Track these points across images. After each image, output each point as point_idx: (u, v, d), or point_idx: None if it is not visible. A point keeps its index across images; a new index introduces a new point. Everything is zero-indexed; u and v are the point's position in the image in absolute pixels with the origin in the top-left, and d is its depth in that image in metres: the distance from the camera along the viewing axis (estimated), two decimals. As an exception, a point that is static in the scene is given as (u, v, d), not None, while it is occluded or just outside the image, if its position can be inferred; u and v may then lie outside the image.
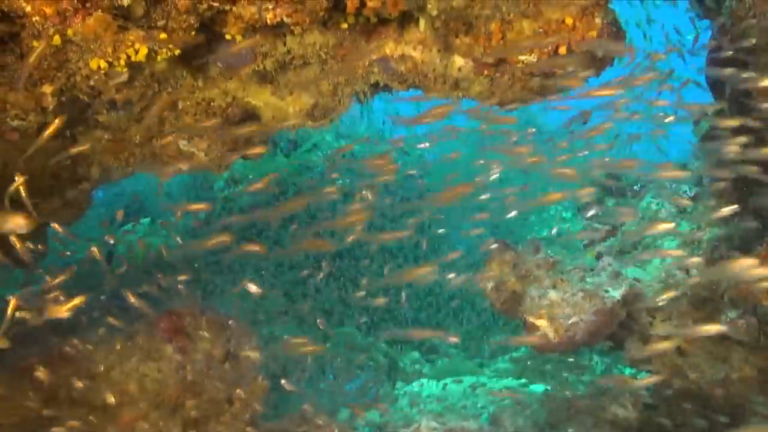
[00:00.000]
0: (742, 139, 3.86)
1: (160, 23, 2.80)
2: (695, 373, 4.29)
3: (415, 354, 7.64)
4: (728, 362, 4.13)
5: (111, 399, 3.22)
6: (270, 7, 2.83)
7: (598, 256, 5.00)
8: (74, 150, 3.61)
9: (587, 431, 4.86)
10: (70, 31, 2.68)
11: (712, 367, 4.21)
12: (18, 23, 2.81)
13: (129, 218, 8.37)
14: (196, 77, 3.62)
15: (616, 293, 4.44)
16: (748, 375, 4.03)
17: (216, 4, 2.91)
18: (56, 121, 3.07)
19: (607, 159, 5.22)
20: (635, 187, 5.60)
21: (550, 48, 3.18)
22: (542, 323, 4.33)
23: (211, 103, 3.82)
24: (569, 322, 4.31)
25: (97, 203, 5.88)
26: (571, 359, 6.80)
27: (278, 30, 3.25)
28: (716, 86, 4.28)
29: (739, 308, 3.95)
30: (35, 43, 2.74)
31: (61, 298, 3.47)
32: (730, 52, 3.87)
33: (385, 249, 8.37)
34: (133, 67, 3.01)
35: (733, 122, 3.96)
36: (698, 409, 4.44)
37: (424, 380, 6.90)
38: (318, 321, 6.37)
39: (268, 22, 2.89)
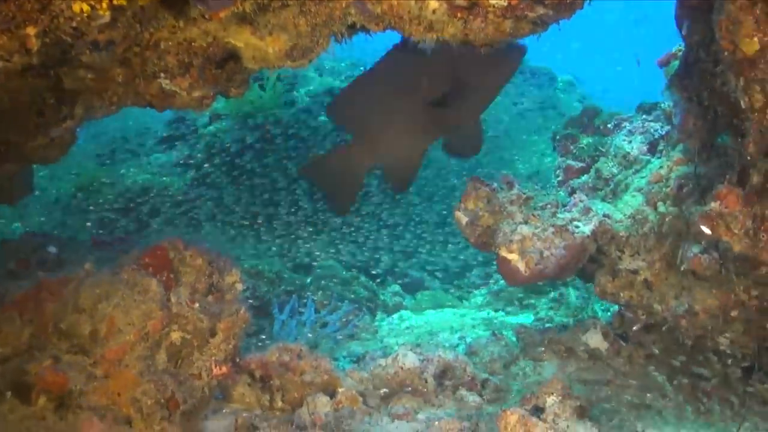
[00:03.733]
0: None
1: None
2: (661, 305, 4.45)
3: (396, 287, 7.80)
4: (692, 295, 4.28)
5: (98, 331, 3.31)
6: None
7: (571, 192, 5.13)
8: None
9: (560, 359, 5.02)
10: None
11: (677, 299, 4.36)
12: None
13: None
14: (177, 18, 3.68)
15: (586, 228, 4.59)
16: (710, 307, 4.19)
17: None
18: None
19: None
20: (609, 125, 5.71)
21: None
22: (513, 257, 4.48)
23: (193, 43, 3.89)
24: (540, 256, 4.46)
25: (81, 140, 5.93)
26: (550, 292, 6.97)
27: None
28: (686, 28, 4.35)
29: (703, 244, 4.08)
30: (19, -11, 2.79)
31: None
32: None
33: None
34: (116, 9, 3.06)
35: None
36: (664, 339, 4.62)
37: (404, 312, 7.06)
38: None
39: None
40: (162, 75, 3.99)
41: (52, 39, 3.29)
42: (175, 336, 3.52)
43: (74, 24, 3.24)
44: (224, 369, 3.65)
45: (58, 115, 4.15)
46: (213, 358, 3.62)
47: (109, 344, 3.28)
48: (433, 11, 3.49)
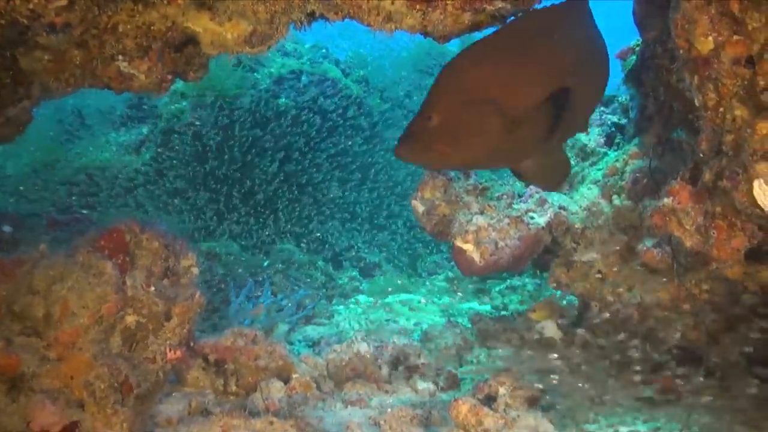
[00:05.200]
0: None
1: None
2: (614, 296, 4.51)
3: (353, 271, 7.81)
4: (645, 288, 4.34)
5: (52, 314, 3.28)
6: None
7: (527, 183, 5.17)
8: None
9: (513, 347, 5.07)
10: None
11: (630, 291, 4.42)
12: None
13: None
14: (135, 2, 3.67)
15: (542, 220, 4.63)
16: (662, 300, 4.26)
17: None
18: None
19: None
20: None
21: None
22: (468, 247, 4.51)
23: (152, 27, 3.87)
24: (495, 246, 4.49)
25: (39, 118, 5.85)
26: (506, 279, 7.02)
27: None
28: (643, 24, 4.41)
29: (655, 238, 4.15)
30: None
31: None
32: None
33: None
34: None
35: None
36: (616, 329, 4.68)
37: (361, 297, 7.08)
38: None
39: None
40: (120, 58, 3.97)
41: (8, 20, 3.27)
42: (130, 320, 3.50)
43: (31, 6, 3.23)
44: (178, 353, 3.64)
45: (13, 95, 4.12)
46: (167, 342, 3.62)
47: (63, 327, 3.26)
48: (392, 2, 3.51)
